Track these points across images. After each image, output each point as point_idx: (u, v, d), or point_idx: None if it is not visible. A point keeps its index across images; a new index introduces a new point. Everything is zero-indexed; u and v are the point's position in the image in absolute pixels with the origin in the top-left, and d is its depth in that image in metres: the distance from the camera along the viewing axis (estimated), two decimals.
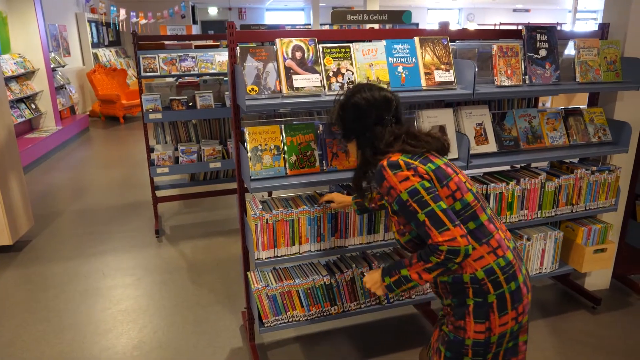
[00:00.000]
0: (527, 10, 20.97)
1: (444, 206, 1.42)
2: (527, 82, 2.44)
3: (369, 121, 1.59)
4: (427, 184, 1.44)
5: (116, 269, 3.52)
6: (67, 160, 6.65)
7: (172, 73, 4.01)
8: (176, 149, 3.85)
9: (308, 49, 2.11)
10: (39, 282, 3.34)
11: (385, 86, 1.78)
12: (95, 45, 11.06)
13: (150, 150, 3.99)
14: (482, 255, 1.45)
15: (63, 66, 8.41)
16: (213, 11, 18.29)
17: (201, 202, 4.86)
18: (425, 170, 1.47)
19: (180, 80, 4.41)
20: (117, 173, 5.95)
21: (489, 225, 1.49)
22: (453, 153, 2.34)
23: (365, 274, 1.74)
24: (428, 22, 19.72)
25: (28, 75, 7.11)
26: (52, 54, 8.09)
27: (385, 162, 1.49)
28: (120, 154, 6.93)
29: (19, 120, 6.45)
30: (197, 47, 4.86)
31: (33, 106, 7.04)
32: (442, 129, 2.34)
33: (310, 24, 14.59)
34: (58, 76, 8.21)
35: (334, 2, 17.08)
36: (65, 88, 8.42)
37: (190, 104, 3.81)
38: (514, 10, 20.98)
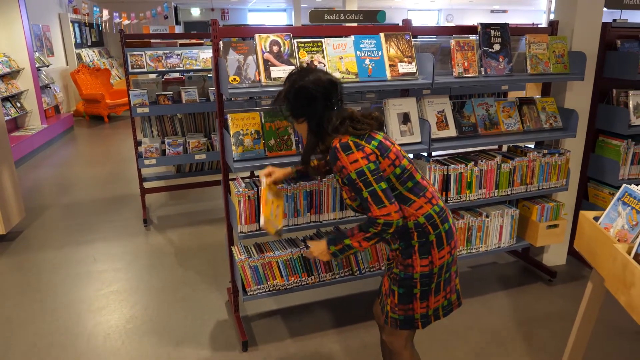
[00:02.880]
0: (504, 11, 21.51)
1: (384, 187, 1.67)
2: (483, 73, 2.71)
3: (319, 106, 1.76)
4: (373, 167, 1.67)
5: (106, 255, 3.71)
6: (53, 157, 6.77)
7: (159, 69, 4.21)
8: (163, 142, 4.06)
9: (284, 44, 2.35)
10: (32, 267, 3.51)
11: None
12: (78, 45, 11.13)
13: (137, 143, 4.18)
14: (421, 205, 1.75)
15: (47, 66, 8.50)
16: (195, 12, 18.41)
17: (187, 194, 5.06)
18: (371, 149, 1.70)
19: (165, 77, 4.61)
20: (104, 170, 6.11)
21: (422, 182, 1.80)
22: (416, 137, 2.60)
23: (309, 245, 1.93)
24: None
25: (13, 74, 7.21)
26: (37, 54, 8.18)
27: (338, 144, 1.71)
28: (106, 152, 7.08)
29: (5, 119, 6.55)
30: (182, 44, 5.06)
31: (19, 105, 7.15)
32: (406, 115, 2.60)
33: (292, 25, 14.80)
34: (42, 76, 8.30)
35: (315, 3, 17.35)
36: (50, 87, 8.52)
37: (175, 99, 4.02)
38: (492, 11, 21.50)
